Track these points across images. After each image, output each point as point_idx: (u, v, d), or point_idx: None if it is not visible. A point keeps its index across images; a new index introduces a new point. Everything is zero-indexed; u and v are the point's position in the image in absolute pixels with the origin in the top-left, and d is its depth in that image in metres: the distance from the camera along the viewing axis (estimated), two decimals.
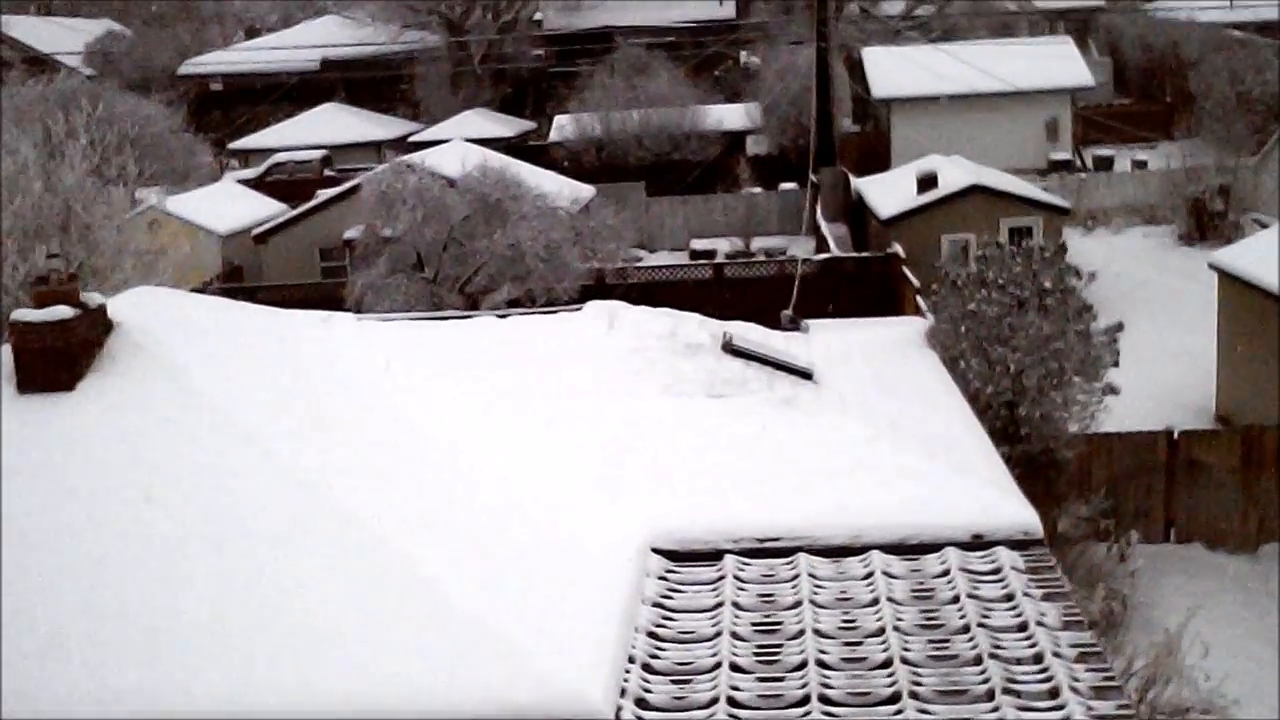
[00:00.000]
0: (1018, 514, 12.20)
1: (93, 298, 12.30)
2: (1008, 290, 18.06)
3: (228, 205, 33.91)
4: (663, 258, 38.92)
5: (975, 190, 30.54)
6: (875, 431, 13.48)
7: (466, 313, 17.16)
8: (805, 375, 14.66)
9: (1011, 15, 59.84)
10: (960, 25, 57.88)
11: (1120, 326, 18.53)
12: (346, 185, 31.76)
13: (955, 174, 31.59)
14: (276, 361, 13.10)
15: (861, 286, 29.65)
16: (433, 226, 25.35)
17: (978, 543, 11.87)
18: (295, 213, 32.29)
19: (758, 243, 38.75)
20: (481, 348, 14.21)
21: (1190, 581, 18.42)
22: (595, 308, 15.33)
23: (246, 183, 46.87)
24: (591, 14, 62.02)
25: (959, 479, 12.66)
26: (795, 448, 13.03)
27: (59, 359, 11.67)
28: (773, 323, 29.05)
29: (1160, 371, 27.47)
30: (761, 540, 11.93)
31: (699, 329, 15.06)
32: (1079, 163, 46.55)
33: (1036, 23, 64.53)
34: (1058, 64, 46.52)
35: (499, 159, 30.25)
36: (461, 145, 35.24)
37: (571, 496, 12.11)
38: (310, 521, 10.33)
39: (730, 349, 14.64)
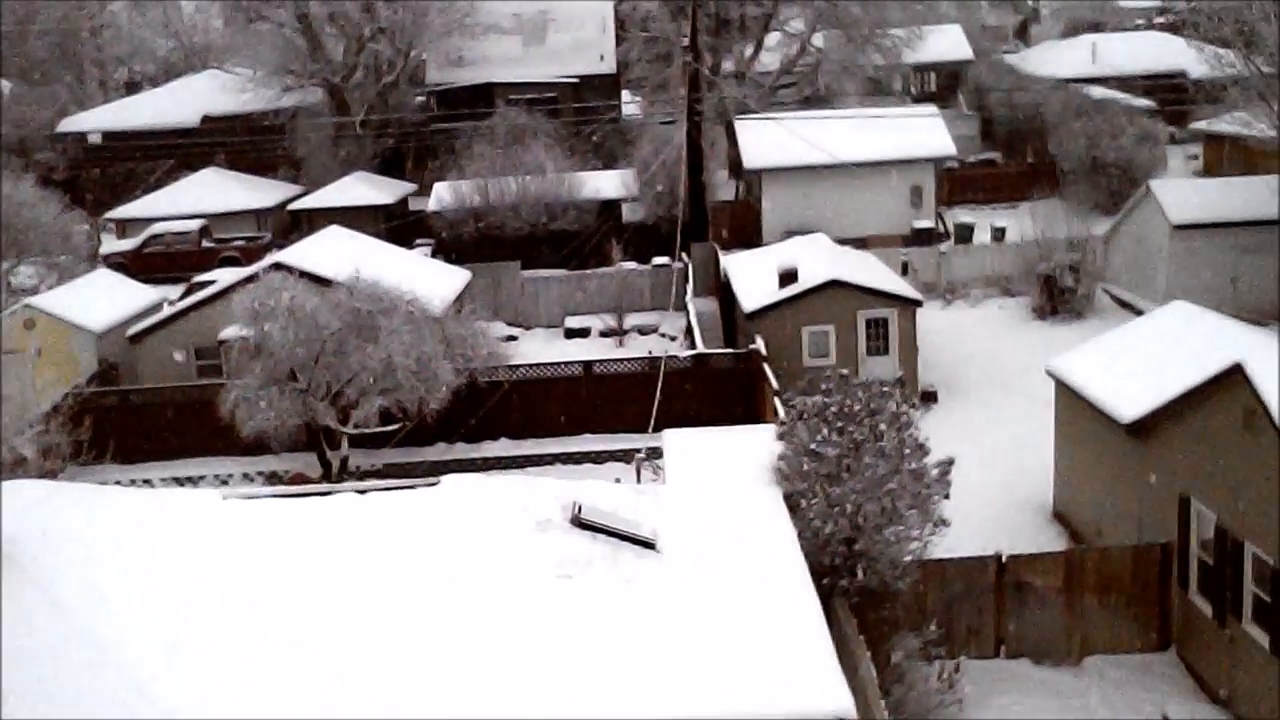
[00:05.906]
0: (833, 696, 13.31)
1: None
2: (846, 431, 19.27)
3: (102, 299, 34.04)
4: (537, 336, 39.86)
5: (833, 284, 31.90)
6: (708, 610, 14.52)
7: (329, 486, 17.91)
8: (649, 545, 15.66)
9: (883, 70, 61.45)
10: (832, 84, 59.41)
11: (951, 461, 19.74)
12: (220, 285, 32.20)
13: (815, 266, 32.90)
14: (139, 561, 13.87)
15: (727, 383, 30.87)
16: (305, 342, 25.95)
17: None
18: (170, 313, 32.65)
19: (631, 319, 39.80)
20: (338, 531, 15.00)
21: (1016, 700, 19.75)
22: (450, 483, 16.20)
23: (123, 255, 46.95)
24: (473, 70, 62.64)
25: (782, 661, 13.75)
26: (632, 632, 14.03)
27: None
28: (642, 414, 29.99)
29: (1003, 459, 28.94)
30: None
31: (551, 500, 15.99)
32: (941, 229, 48.30)
33: (907, 77, 66.54)
34: (923, 135, 48.21)
35: (373, 259, 30.89)
36: (336, 235, 35.90)
37: (413, 688, 12.99)
38: None
39: (579, 523, 15.59)
